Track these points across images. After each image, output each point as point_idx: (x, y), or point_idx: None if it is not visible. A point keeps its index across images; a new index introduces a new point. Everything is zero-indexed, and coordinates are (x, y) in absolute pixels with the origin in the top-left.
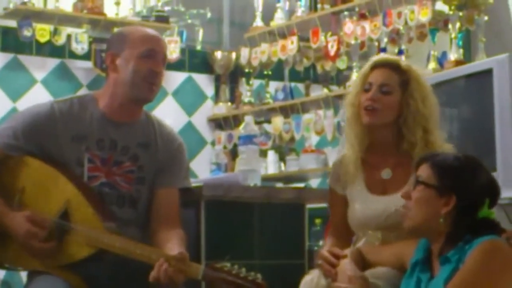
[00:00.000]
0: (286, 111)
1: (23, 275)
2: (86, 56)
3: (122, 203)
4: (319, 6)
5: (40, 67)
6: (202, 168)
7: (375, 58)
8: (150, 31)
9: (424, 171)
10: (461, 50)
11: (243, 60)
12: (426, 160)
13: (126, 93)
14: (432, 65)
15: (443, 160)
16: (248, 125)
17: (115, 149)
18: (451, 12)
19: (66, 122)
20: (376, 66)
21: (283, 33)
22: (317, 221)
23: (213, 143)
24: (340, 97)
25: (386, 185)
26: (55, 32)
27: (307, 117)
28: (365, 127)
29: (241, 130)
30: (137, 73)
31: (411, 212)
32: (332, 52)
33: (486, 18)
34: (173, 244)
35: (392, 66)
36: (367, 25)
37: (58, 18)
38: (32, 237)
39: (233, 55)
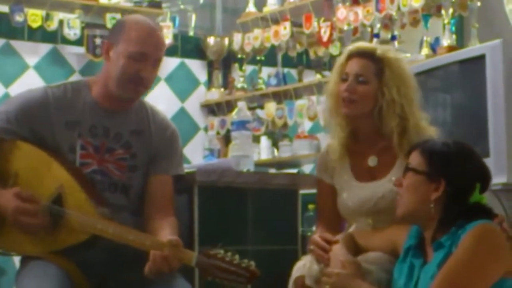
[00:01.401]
0: (279, 97)
1: (16, 261)
2: (78, 42)
3: (114, 190)
4: None
5: (32, 53)
6: (195, 154)
7: (351, 47)
8: (150, 29)
9: (414, 158)
10: (454, 36)
11: (236, 46)
12: (416, 147)
13: (114, 87)
14: (425, 50)
15: (432, 146)
16: (241, 110)
17: (108, 136)
18: None
19: (60, 107)
20: (352, 55)
21: (276, 19)
22: (310, 206)
23: (206, 129)
24: None
25: (373, 172)
26: (47, 18)
27: (300, 102)
28: (345, 116)
29: (234, 115)
30: (124, 73)
31: (402, 199)
32: (325, 37)
33: (479, 3)
34: (166, 233)
35: (367, 55)
36: (360, 10)
37: (50, 3)
38: (21, 213)
39: (226, 40)
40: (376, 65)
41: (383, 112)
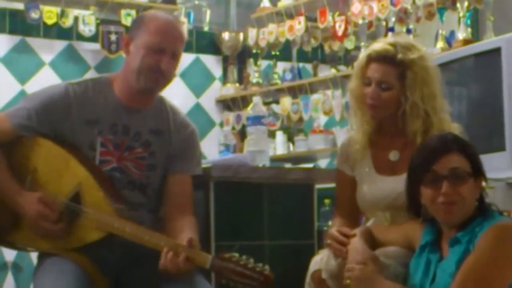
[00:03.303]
0: (294, 92)
1: (33, 257)
2: (93, 38)
3: (133, 188)
4: None
5: (48, 50)
6: (210, 149)
7: (370, 50)
8: (169, 22)
9: (459, 161)
10: (469, 29)
11: (250, 41)
12: (451, 149)
13: (134, 80)
14: (440, 44)
15: (469, 145)
16: (256, 105)
17: (128, 135)
18: None
19: (81, 105)
20: (371, 59)
21: (291, 13)
22: (326, 201)
23: (221, 124)
24: (348, 77)
25: (394, 166)
26: (62, 14)
27: (315, 97)
28: (369, 116)
29: (249, 111)
30: (144, 64)
31: (463, 207)
32: (339, 32)
33: None
34: (185, 234)
35: (388, 60)
36: (374, 4)
37: (65, 0)
38: (42, 219)
39: (241, 36)
40: (398, 69)
41: (406, 114)
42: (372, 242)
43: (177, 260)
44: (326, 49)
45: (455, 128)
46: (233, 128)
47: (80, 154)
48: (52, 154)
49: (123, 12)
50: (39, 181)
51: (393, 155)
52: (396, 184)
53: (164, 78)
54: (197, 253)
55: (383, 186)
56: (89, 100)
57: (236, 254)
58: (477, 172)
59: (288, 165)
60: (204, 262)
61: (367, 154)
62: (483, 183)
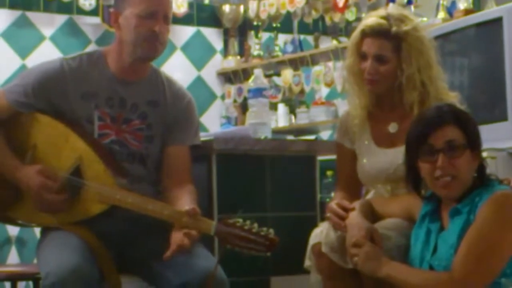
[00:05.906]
0: (295, 64)
1: (37, 231)
2: (94, 12)
3: (132, 160)
4: None
5: (48, 24)
6: (212, 122)
7: (363, 26)
8: None
9: (454, 133)
10: None
11: (251, 13)
12: (447, 121)
13: (130, 52)
14: (442, 14)
15: (466, 117)
16: (257, 78)
17: (124, 107)
18: None
19: (76, 79)
20: (366, 34)
21: None
22: (329, 173)
23: (223, 97)
24: None
25: (393, 138)
26: None
27: (316, 69)
28: (367, 90)
29: (250, 83)
30: (138, 33)
31: (461, 180)
32: (340, 3)
33: None
34: (185, 201)
35: (382, 34)
36: None
37: None
38: (45, 190)
39: (241, 8)
40: (393, 42)
41: (403, 86)
42: (372, 215)
43: (194, 235)
44: (327, 20)
45: (453, 97)
46: (235, 101)
47: (79, 128)
48: (51, 129)
49: None
50: (39, 157)
51: (392, 127)
52: (396, 156)
53: (160, 43)
54: (200, 220)
55: (383, 159)
56: (84, 74)
57: (240, 220)
58: (474, 143)
59: (290, 137)
60: (208, 228)
61: (366, 127)
62: (483, 153)
